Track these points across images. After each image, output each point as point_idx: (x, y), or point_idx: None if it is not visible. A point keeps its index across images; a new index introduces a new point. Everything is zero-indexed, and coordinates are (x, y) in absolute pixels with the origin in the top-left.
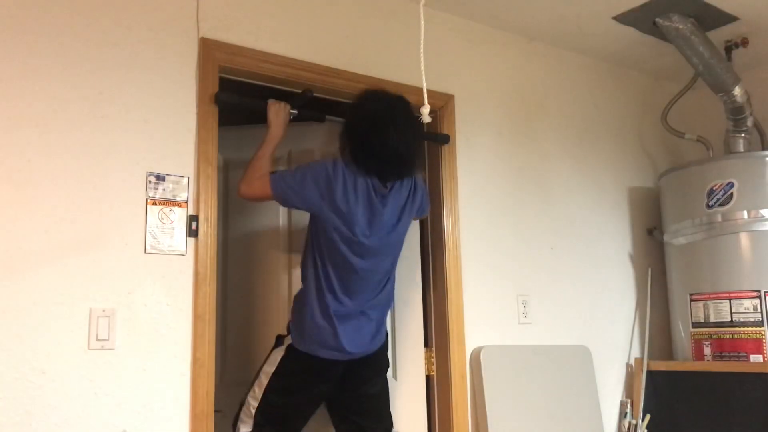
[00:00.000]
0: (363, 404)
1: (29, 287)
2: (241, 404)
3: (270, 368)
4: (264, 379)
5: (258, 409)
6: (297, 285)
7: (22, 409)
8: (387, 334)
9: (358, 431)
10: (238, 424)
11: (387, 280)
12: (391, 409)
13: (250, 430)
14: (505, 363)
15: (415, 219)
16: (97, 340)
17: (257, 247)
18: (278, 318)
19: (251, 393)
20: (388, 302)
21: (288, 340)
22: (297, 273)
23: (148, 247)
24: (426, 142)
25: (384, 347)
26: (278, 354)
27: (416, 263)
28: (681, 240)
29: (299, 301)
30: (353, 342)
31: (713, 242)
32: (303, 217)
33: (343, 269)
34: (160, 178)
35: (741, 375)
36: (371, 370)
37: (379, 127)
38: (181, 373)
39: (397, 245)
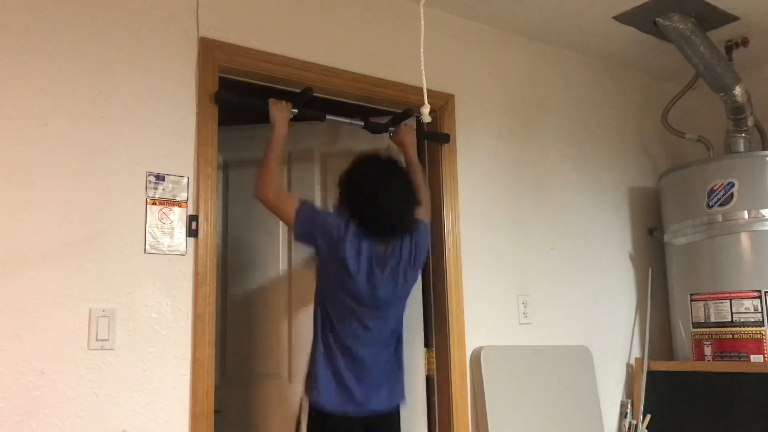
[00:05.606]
0: None
1: (29, 287)
2: None
3: None
4: None
5: None
6: (297, 284)
7: (22, 409)
8: (400, 399)
9: None
10: None
11: (394, 337)
12: None
13: None
14: (505, 363)
15: None
16: (97, 340)
17: (257, 246)
18: (278, 317)
19: None
20: (398, 358)
21: (305, 403)
22: (297, 272)
23: (147, 247)
24: (426, 142)
25: (397, 413)
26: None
27: None
28: (681, 240)
29: (312, 355)
30: (366, 395)
31: (714, 242)
32: None
33: (350, 324)
34: (159, 177)
35: (741, 375)
36: None
37: (373, 193)
38: (181, 373)
39: (400, 303)
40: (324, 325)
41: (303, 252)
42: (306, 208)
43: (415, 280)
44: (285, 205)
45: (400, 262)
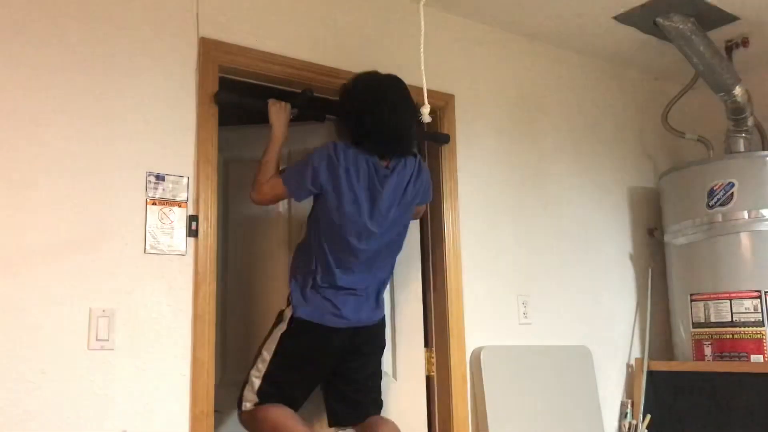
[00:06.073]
0: (357, 378)
1: (29, 287)
2: (245, 382)
3: (272, 345)
4: (267, 356)
5: (261, 386)
6: None
7: (22, 409)
8: (384, 312)
9: (348, 402)
10: (243, 402)
11: (387, 258)
12: (391, 409)
13: (255, 407)
14: (505, 363)
15: (417, 207)
16: (97, 340)
17: (257, 246)
18: None
19: (254, 370)
20: (387, 278)
21: (289, 311)
22: None
23: (147, 247)
24: (426, 141)
25: (382, 323)
26: (280, 330)
27: (416, 263)
28: (681, 240)
29: (296, 273)
30: (352, 311)
31: (714, 242)
32: (304, 216)
33: (343, 251)
34: (159, 178)
35: (741, 375)
36: (371, 345)
37: (373, 105)
38: (181, 373)
39: (400, 224)
40: (314, 248)
41: None
42: (286, 175)
43: (413, 205)
44: (278, 190)
45: (401, 180)
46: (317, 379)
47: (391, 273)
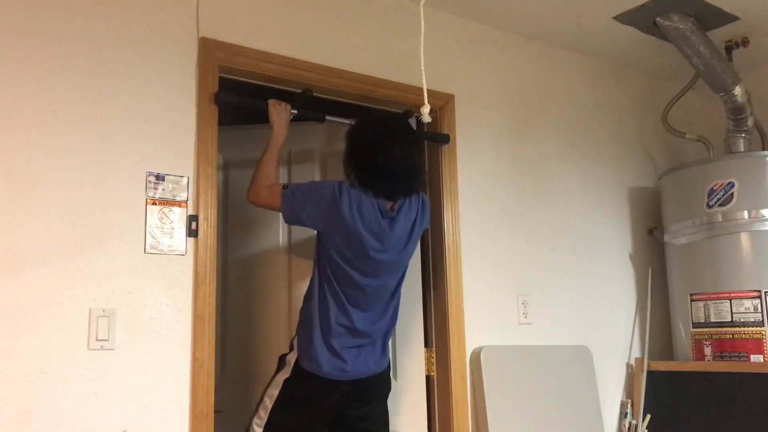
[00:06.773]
0: (364, 425)
1: (29, 287)
2: (246, 430)
3: (274, 391)
4: (269, 402)
5: None
6: (296, 284)
7: (22, 409)
8: (389, 359)
9: None
10: None
11: (392, 299)
12: (391, 409)
13: None
14: (505, 363)
15: None
16: (97, 340)
17: (257, 247)
18: (278, 318)
19: (256, 418)
20: (393, 324)
21: (292, 357)
22: (297, 273)
23: (147, 247)
24: (426, 143)
25: (388, 370)
26: (282, 376)
27: (416, 263)
28: (681, 240)
29: (304, 320)
30: (358, 364)
31: (714, 242)
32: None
33: (348, 288)
34: (159, 177)
35: (741, 375)
36: (375, 392)
37: (382, 146)
38: (181, 373)
39: (403, 264)
40: (321, 291)
41: (304, 254)
42: (287, 193)
43: (417, 243)
44: (274, 201)
45: (407, 221)
46: (320, 427)
47: (396, 315)
